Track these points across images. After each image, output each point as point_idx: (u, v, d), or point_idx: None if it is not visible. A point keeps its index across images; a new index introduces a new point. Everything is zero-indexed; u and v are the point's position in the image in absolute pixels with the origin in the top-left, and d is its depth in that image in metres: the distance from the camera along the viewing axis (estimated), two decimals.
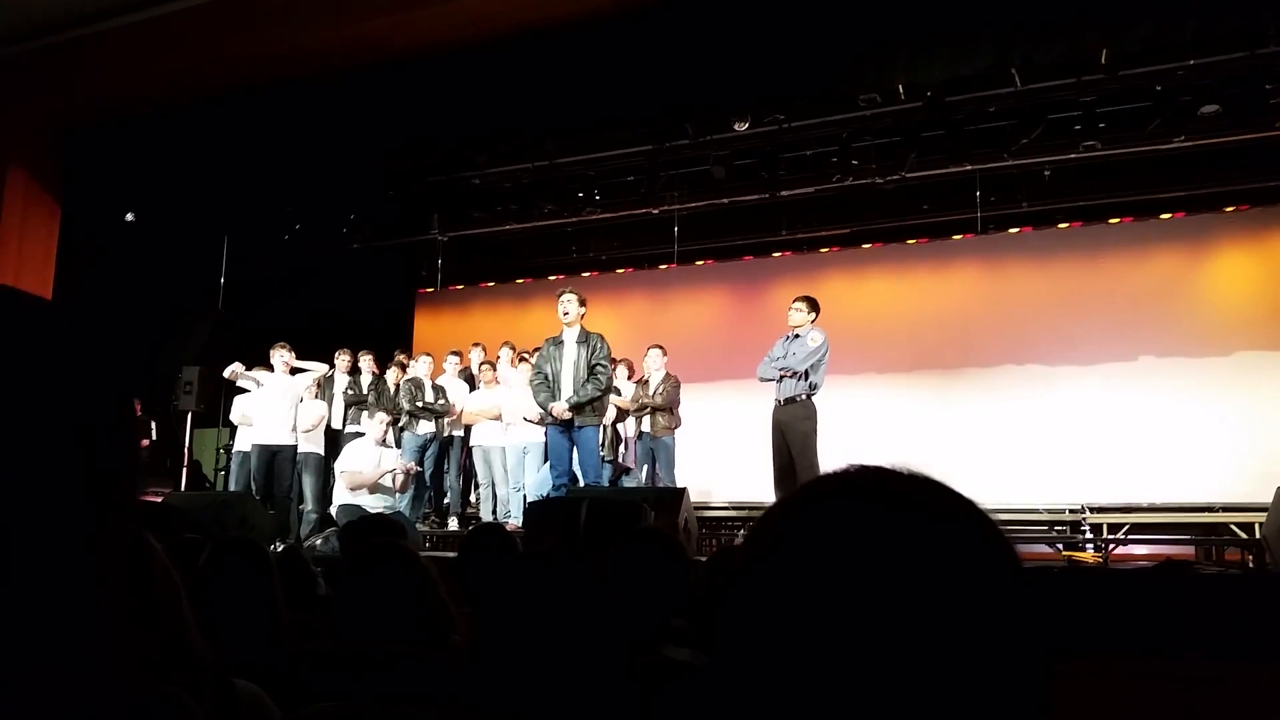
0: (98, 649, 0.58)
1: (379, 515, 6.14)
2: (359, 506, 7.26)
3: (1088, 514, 7.75)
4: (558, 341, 6.63)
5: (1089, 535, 7.61)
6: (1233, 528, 7.17)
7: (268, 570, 2.18)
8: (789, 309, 6.72)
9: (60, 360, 0.59)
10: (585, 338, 6.55)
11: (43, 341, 0.59)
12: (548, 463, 7.70)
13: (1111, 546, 7.33)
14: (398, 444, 8.25)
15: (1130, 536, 7.47)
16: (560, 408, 6.40)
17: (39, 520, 0.55)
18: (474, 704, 1.31)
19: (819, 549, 0.55)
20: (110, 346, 0.60)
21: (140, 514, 0.67)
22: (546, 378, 6.55)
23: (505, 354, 8.84)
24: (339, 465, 7.79)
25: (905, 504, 0.57)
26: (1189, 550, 7.23)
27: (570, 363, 6.50)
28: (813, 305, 6.67)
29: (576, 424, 6.44)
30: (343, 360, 8.96)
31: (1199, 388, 8.24)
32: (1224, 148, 7.69)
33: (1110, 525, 7.62)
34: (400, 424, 8.35)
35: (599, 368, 6.45)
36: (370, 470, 7.59)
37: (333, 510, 7.79)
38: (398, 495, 7.81)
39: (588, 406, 6.42)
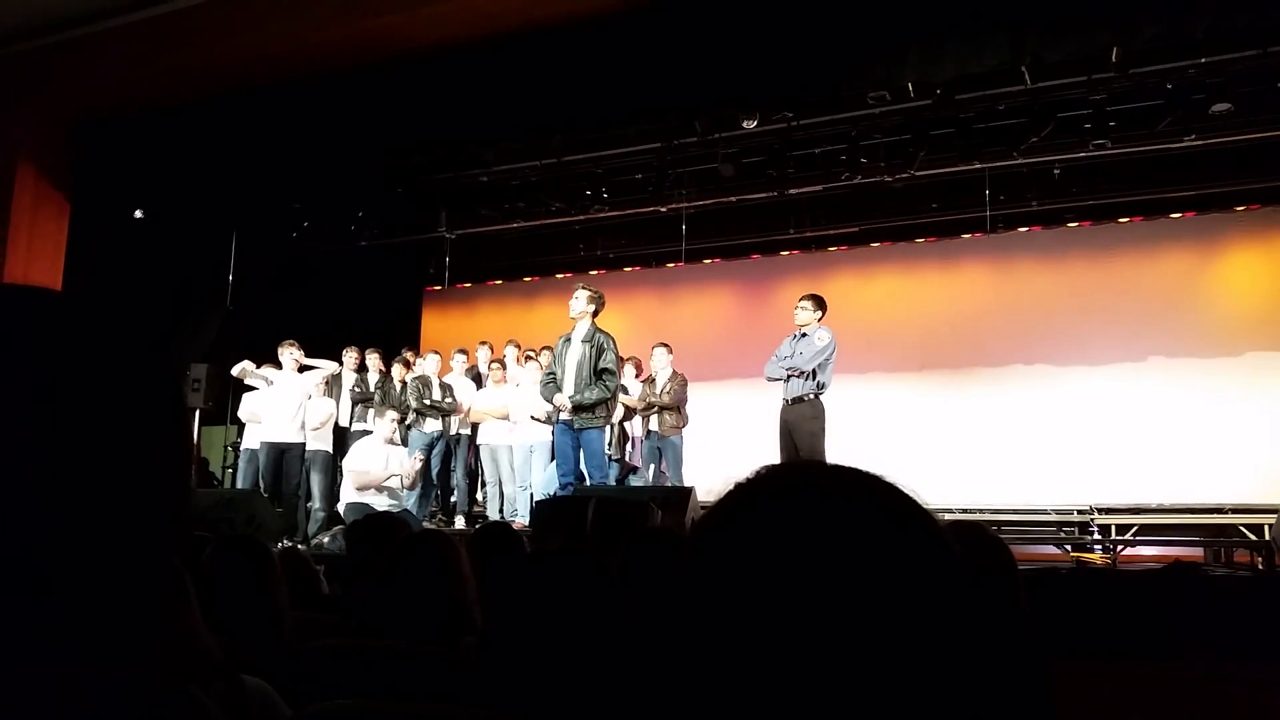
0: (123, 645, 0.58)
1: (386, 513, 6.14)
2: (366, 505, 7.26)
3: (1096, 515, 7.72)
4: (567, 339, 6.57)
5: (1097, 536, 7.57)
6: (1242, 529, 7.12)
7: (271, 568, 2.18)
8: (795, 308, 6.69)
9: (119, 363, 0.59)
10: (591, 337, 6.40)
11: (102, 346, 0.59)
12: (554, 461, 7.70)
13: (1120, 548, 7.29)
14: (404, 442, 8.26)
15: (1139, 538, 7.43)
16: (562, 400, 6.32)
17: (86, 520, 0.55)
18: (482, 702, 1.31)
19: (751, 552, 0.56)
20: (165, 352, 0.61)
21: (188, 516, 0.67)
22: (554, 377, 6.50)
23: (511, 352, 8.84)
24: (346, 464, 7.79)
25: (831, 497, 0.59)
26: (1198, 552, 7.20)
27: (574, 362, 6.37)
28: (819, 303, 6.63)
29: (578, 426, 6.32)
30: (350, 358, 8.97)
31: (1209, 388, 8.20)
32: (1235, 146, 7.64)
33: (1119, 526, 7.58)
34: (407, 422, 8.35)
35: (606, 373, 6.29)
36: (378, 470, 7.59)
37: (340, 508, 7.80)
38: (405, 493, 7.82)
39: (590, 410, 6.28)
